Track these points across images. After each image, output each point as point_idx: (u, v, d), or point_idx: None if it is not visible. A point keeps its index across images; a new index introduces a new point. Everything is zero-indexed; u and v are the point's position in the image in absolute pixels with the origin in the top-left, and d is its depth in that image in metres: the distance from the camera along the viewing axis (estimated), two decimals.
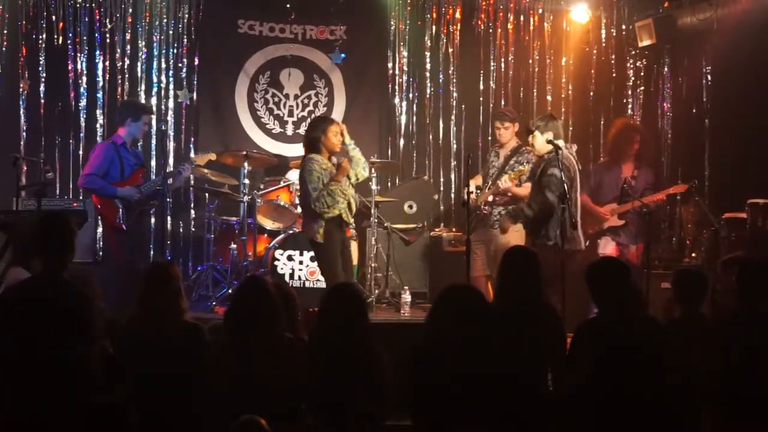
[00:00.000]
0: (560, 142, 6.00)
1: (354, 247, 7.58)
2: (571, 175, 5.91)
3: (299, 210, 6.95)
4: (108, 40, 8.14)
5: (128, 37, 8.18)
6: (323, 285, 6.44)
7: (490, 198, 6.80)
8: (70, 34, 8.06)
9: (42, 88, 8.04)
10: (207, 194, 7.75)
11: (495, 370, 3.73)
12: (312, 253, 6.72)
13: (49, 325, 3.76)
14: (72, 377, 3.77)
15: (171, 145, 8.31)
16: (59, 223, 4.04)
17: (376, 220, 7.43)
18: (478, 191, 6.91)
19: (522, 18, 8.91)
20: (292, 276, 7.13)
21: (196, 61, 8.42)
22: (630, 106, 8.90)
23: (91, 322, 3.86)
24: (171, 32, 8.32)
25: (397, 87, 8.80)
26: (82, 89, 8.12)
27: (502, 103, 8.77)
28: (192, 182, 8.14)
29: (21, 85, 7.95)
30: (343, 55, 8.48)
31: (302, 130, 7.78)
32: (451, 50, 8.83)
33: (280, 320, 4.01)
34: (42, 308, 3.80)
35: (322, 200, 5.97)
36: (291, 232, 7.24)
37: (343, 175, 6.10)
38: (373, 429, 3.86)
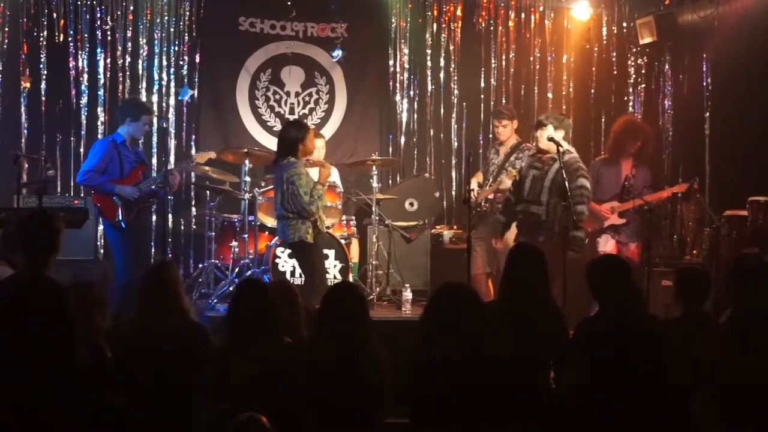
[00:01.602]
0: (565, 144, 6.04)
1: (355, 244, 7.66)
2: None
3: None
4: (109, 38, 8.17)
5: (129, 34, 8.22)
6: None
7: (491, 196, 6.82)
8: (71, 32, 8.09)
9: (43, 85, 8.07)
10: (208, 192, 7.75)
11: (493, 370, 3.73)
12: None
13: (28, 324, 3.76)
14: (56, 376, 3.75)
15: (172, 143, 8.35)
16: (42, 221, 4.04)
17: (377, 218, 7.42)
18: (479, 189, 6.92)
19: (523, 15, 8.94)
20: (293, 274, 7.11)
21: (197, 59, 8.45)
22: (631, 103, 8.92)
23: (73, 320, 3.83)
24: (172, 30, 8.36)
25: (398, 84, 8.84)
26: (83, 87, 8.15)
27: (503, 100, 8.80)
28: (193, 180, 8.16)
29: (22, 83, 7.96)
30: (344, 53, 8.47)
31: None
32: (452, 48, 8.87)
33: (280, 321, 4.01)
34: (21, 306, 3.80)
35: (316, 203, 6.00)
36: None
37: (326, 179, 6.21)
38: (372, 428, 3.85)
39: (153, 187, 6.57)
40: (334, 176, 7.31)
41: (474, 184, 6.67)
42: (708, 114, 8.18)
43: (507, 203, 6.48)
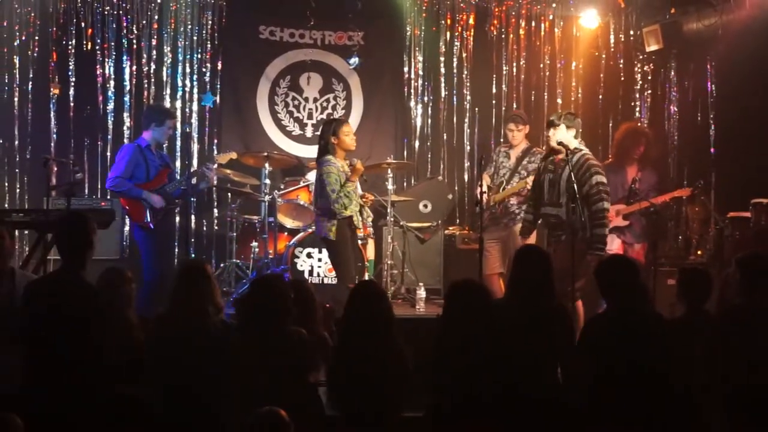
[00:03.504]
0: (575, 142, 6.15)
1: (371, 244, 7.67)
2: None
3: None
4: (135, 46, 8.32)
5: (154, 42, 8.36)
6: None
7: (509, 200, 6.95)
8: (99, 40, 8.23)
9: (71, 92, 8.21)
10: (229, 194, 7.93)
11: (501, 367, 3.86)
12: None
13: (63, 318, 3.99)
14: (85, 369, 3.94)
15: (195, 147, 8.48)
16: (75, 224, 4.24)
17: (392, 219, 7.52)
18: (488, 192, 7.02)
19: (533, 24, 9.04)
20: (311, 273, 7.28)
21: (220, 66, 8.58)
22: (637, 109, 8.99)
23: (101, 316, 4.05)
24: (195, 38, 8.50)
25: (412, 90, 8.94)
26: (109, 93, 8.29)
27: (514, 106, 8.89)
28: (215, 182, 8.29)
29: (51, 89, 8.11)
30: (360, 61, 8.58)
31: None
32: (464, 55, 8.97)
33: (289, 315, 4.10)
34: (57, 303, 4.03)
35: (341, 201, 6.04)
36: (310, 230, 7.26)
37: (357, 175, 6.22)
38: (392, 421, 3.95)
39: (182, 187, 6.73)
40: None
41: (485, 187, 6.70)
42: (712, 119, 8.25)
43: (530, 206, 6.49)
